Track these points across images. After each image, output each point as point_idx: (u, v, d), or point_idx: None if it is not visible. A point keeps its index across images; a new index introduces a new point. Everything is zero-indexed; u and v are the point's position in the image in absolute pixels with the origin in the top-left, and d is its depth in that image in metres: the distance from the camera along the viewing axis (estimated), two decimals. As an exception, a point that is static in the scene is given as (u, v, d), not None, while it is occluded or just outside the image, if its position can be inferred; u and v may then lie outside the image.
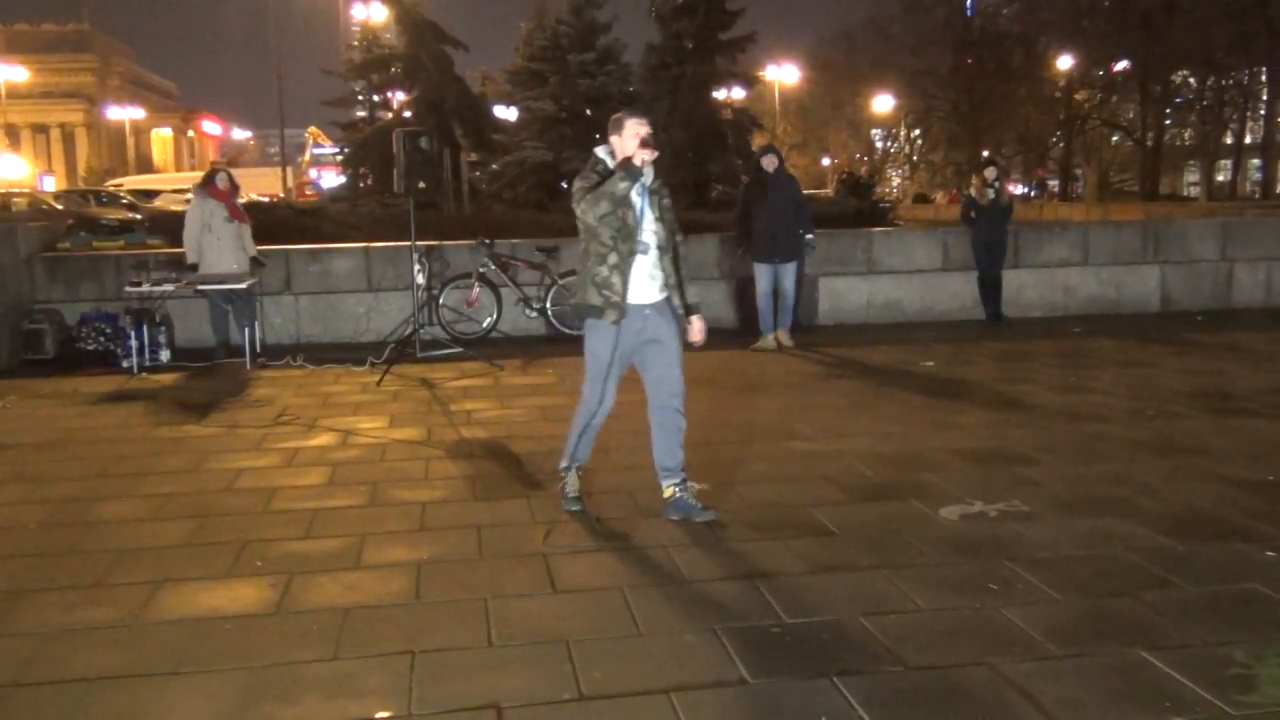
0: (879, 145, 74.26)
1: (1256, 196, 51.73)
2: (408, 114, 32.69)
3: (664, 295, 4.76)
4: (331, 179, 47.47)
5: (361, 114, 36.90)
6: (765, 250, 9.82)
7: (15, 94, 64.70)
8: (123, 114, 76.33)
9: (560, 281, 10.89)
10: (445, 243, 11.38)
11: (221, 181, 9.98)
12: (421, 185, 9.27)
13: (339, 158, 41.15)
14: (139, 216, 26.42)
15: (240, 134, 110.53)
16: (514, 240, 11.73)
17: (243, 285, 9.60)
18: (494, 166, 33.87)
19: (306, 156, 70.22)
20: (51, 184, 52.21)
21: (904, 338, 10.51)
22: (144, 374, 9.11)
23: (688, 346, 4.89)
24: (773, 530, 4.71)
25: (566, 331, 10.86)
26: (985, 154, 39.29)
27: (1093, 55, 52.65)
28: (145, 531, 4.87)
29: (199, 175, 10.68)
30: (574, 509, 4.97)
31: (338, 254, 11.21)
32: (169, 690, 3.32)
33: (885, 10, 59.67)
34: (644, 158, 4.53)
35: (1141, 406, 7.21)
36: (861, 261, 11.86)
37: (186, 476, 5.79)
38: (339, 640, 3.64)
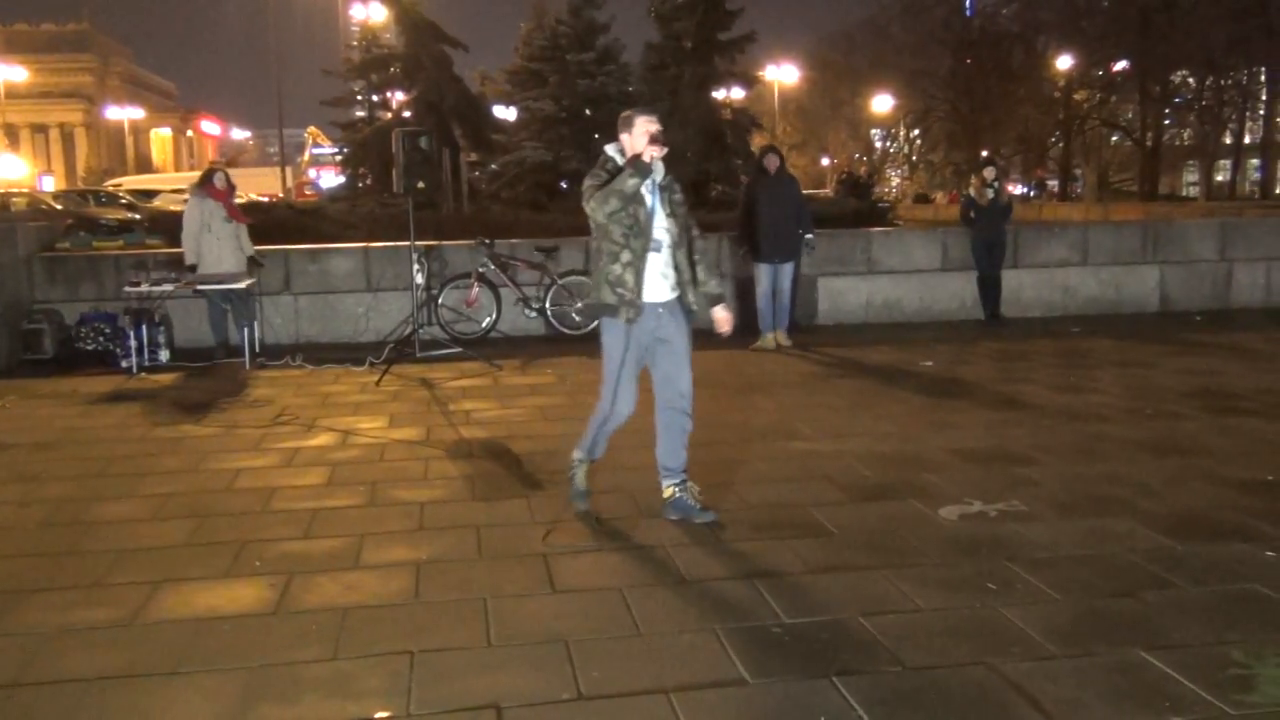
0: (878, 145, 74.26)
1: (1256, 196, 51.74)
2: (407, 114, 32.70)
3: (675, 295, 4.74)
4: (331, 179, 47.48)
5: (361, 114, 36.91)
6: (766, 250, 9.83)
7: (14, 94, 64.70)
8: (122, 114, 76.32)
9: (559, 281, 10.90)
10: (444, 243, 11.38)
11: (219, 181, 9.99)
12: (420, 185, 9.26)
13: (338, 158, 41.15)
14: (138, 216, 26.43)
15: (239, 134, 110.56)
16: (513, 240, 11.73)
17: (242, 285, 9.61)
18: (493, 166, 33.88)
19: (306, 156, 70.19)
20: (50, 184, 52.23)
21: (903, 338, 10.51)
22: (143, 374, 9.11)
23: (704, 340, 4.86)
24: (772, 530, 4.71)
25: (566, 331, 10.88)
26: (984, 154, 39.28)
27: (1092, 55, 52.68)
28: (144, 531, 4.87)
29: (198, 175, 10.67)
30: (580, 505, 4.96)
31: (337, 254, 11.21)
32: (168, 690, 3.32)
33: (884, 10, 59.71)
34: (654, 154, 4.52)
35: (1140, 406, 7.21)
36: (861, 261, 11.86)
37: (185, 476, 5.79)
38: (338, 640, 3.64)
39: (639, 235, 4.58)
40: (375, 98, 36.72)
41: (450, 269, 11.02)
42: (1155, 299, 12.35)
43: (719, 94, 35.77)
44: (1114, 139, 60.37)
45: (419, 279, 9.96)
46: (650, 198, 4.61)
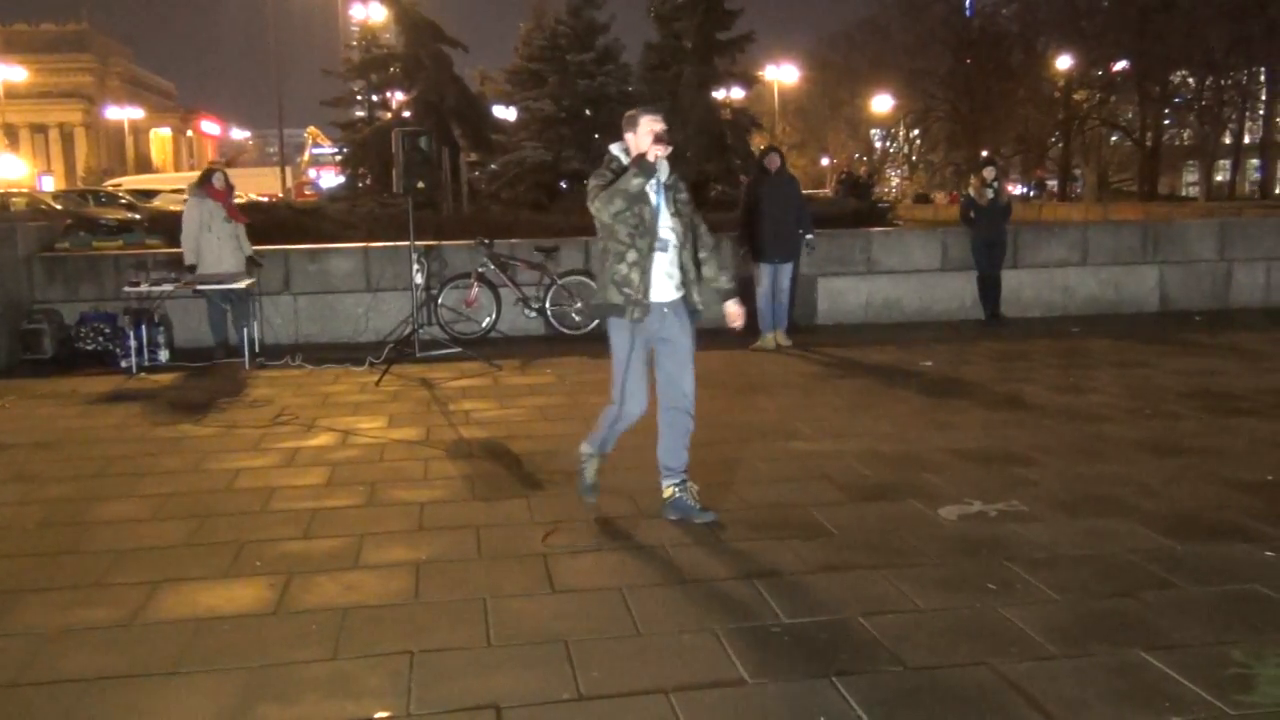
0: (878, 145, 74.29)
1: (1255, 196, 51.76)
2: (407, 114, 32.72)
3: (680, 294, 4.74)
4: (330, 179, 47.50)
5: (360, 114, 36.93)
6: (766, 250, 9.83)
7: (14, 94, 64.66)
8: (121, 114, 76.32)
9: (559, 281, 10.90)
10: (444, 243, 11.38)
11: (218, 181, 10.00)
12: (420, 185, 9.26)
13: (338, 158, 41.18)
14: (137, 216, 26.43)
15: (239, 134, 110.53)
16: (513, 240, 11.74)
17: (241, 285, 9.61)
18: (493, 166, 33.90)
19: (305, 156, 70.22)
20: (50, 184, 52.23)
21: (903, 338, 10.51)
22: (143, 374, 9.11)
23: (704, 340, 4.85)
24: (772, 530, 4.71)
25: (565, 331, 10.88)
26: (984, 154, 39.30)
27: (1091, 55, 52.71)
28: (144, 531, 4.87)
29: (197, 175, 10.67)
30: (590, 499, 4.97)
31: (336, 254, 11.21)
32: (168, 690, 3.32)
33: (884, 10, 59.82)
34: (658, 154, 4.52)
35: (1140, 406, 7.21)
36: (860, 261, 11.86)
37: (185, 476, 5.78)
38: (338, 640, 3.64)
39: (644, 235, 4.57)
40: (375, 98, 36.75)
41: (450, 269, 11.02)
42: (1155, 299, 12.35)
43: (719, 94, 35.81)
44: (1113, 139, 60.42)
45: (419, 279, 9.96)
46: (655, 197, 4.61)
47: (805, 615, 3.78)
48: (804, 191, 11.92)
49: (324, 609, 3.91)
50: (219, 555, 4.50)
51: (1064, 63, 53.30)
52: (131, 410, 7.66)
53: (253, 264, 10.05)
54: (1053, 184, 63.09)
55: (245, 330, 9.60)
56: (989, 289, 11.51)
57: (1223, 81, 51.43)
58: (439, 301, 10.71)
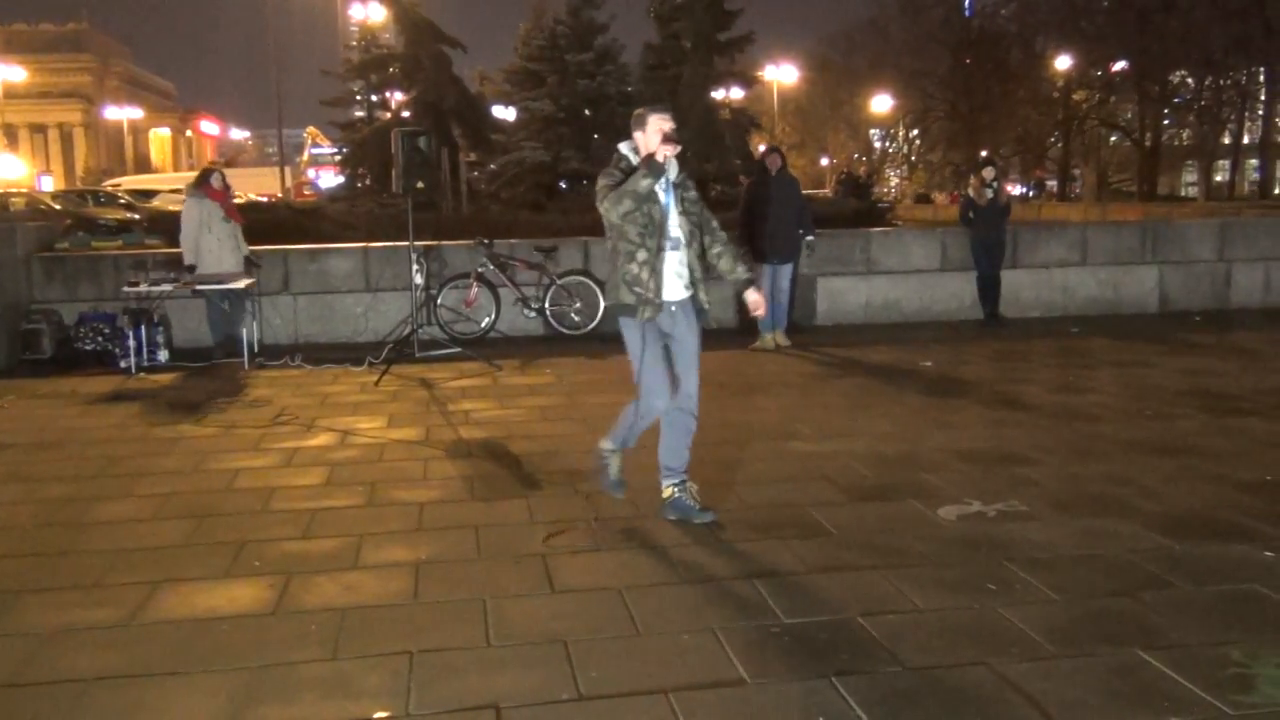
0: (877, 145, 74.32)
1: (1255, 197, 51.76)
2: (406, 114, 32.74)
3: (689, 294, 4.73)
4: (330, 179, 47.53)
5: (360, 114, 36.96)
6: (766, 250, 9.83)
7: (13, 94, 64.61)
8: (121, 114, 76.27)
9: (558, 282, 10.90)
10: (443, 243, 11.38)
11: (216, 181, 10.01)
12: (420, 185, 9.25)
13: (337, 158, 41.20)
14: (137, 216, 26.43)
15: (238, 134, 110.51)
16: (512, 240, 11.73)
17: (241, 285, 9.61)
18: (492, 166, 33.93)
19: (305, 156, 70.24)
20: (49, 184, 52.15)
21: (902, 338, 10.52)
22: (142, 374, 9.11)
23: (704, 341, 4.84)
24: (771, 530, 4.71)
25: (565, 331, 10.89)
26: (983, 154, 39.33)
27: (1091, 55, 52.71)
28: (143, 532, 4.87)
29: (195, 175, 10.67)
30: (618, 494, 4.95)
31: (336, 254, 11.21)
32: (167, 690, 3.32)
33: (884, 10, 59.82)
34: (667, 153, 4.51)
35: (1139, 407, 7.22)
36: (860, 262, 11.87)
37: (184, 477, 5.78)
38: (337, 640, 3.64)
39: (654, 234, 4.56)
40: (374, 98, 36.78)
41: (449, 269, 11.02)
42: (1154, 299, 12.36)
43: (718, 94, 35.82)
44: (1113, 139, 60.42)
45: (418, 279, 9.96)
46: (664, 196, 4.61)
47: (805, 615, 3.78)
48: (804, 192, 11.92)
49: (323, 609, 3.91)
50: (218, 555, 4.50)
51: (1063, 63, 53.30)
52: (131, 410, 7.66)
53: (250, 264, 10.06)
54: (1052, 184, 63.11)
55: (245, 331, 9.59)
56: (988, 289, 11.51)
57: (1222, 81, 51.44)
58: (438, 301, 10.71)
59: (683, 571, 4.25)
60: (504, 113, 36.13)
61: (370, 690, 3.28)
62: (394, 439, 6.60)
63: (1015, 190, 60.52)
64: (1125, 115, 57.19)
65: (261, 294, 10.42)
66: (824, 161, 74.52)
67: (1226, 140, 55.61)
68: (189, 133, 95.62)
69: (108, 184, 42.51)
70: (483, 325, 10.84)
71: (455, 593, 4.05)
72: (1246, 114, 54.30)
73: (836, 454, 6.03)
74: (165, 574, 4.29)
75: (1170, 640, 3.54)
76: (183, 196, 10.97)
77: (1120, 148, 60.24)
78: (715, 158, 33.12)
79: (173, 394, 8.34)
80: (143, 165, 77.66)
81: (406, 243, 9.74)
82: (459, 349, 9.61)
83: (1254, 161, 57.09)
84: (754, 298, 4.87)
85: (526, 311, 10.93)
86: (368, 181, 33.65)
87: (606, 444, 4.95)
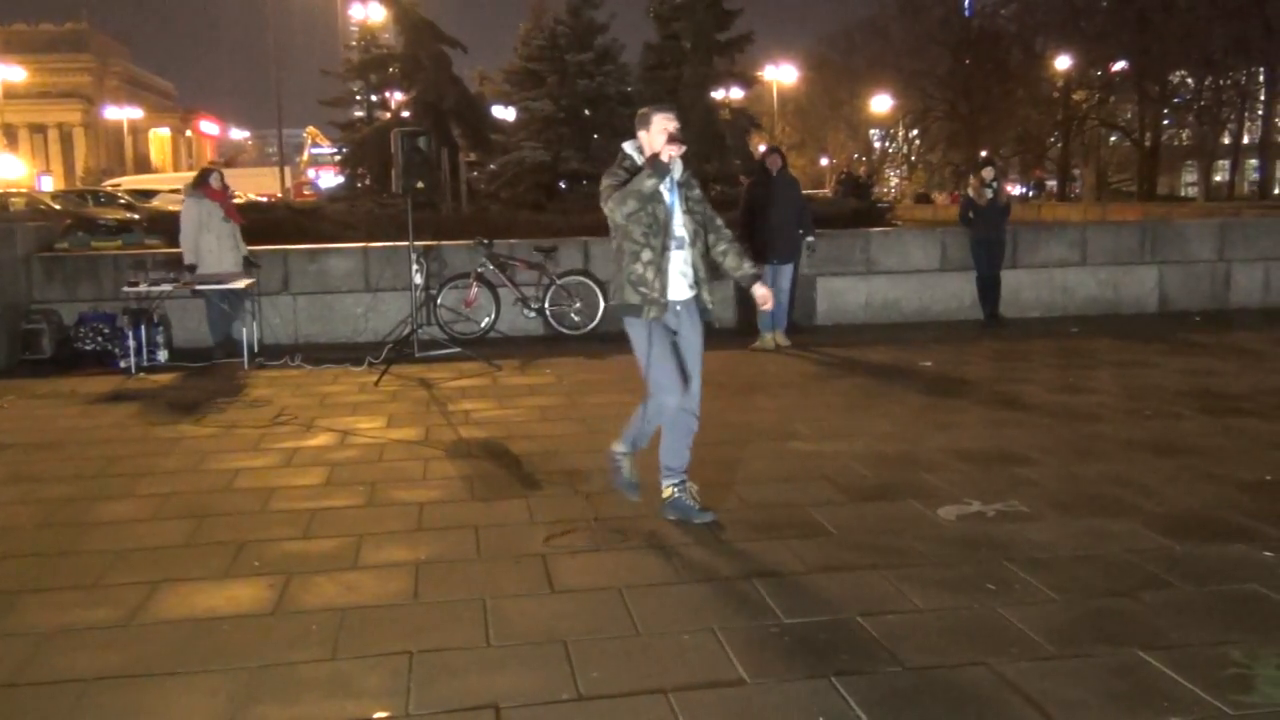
0: (877, 145, 74.33)
1: (1254, 197, 51.77)
2: (406, 114, 32.72)
3: (693, 294, 4.73)
4: (329, 179, 47.50)
5: (359, 114, 36.94)
6: (766, 251, 9.83)
7: (13, 94, 64.58)
8: (120, 114, 76.25)
9: (558, 282, 10.91)
10: (443, 243, 11.38)
11: (215, 181, 10.02)
12: (419, 185, 9.25)
13: (337, 158, 41.17)
14: (136, 216, 26.42)
15: (238, 134, 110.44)
16: (512, 240, 11.73)
17: (241, 285, 9.62)
18: (492, 166, 33.92)
19: (305, 156, 70.19)
20: (49, 184, 52.16)
21: (902, 338, 10.52)
22: (142, 374, 9.11)
23: (705, 341, 4.85)
24: (771, 530, 4.71)
25: (564, 331, 10.89)
26: (983, 154, 39.34)
27: (1090, 55, 52.73)
28: (143, 532, 4.87)
29: (194, 176, 10.68)
30: (633, 496, 4.91)
31: (336, 254, 11.21)
32: (167, 690, 3.32)
33: (883, 10, 59.86)
34: (672, 153, 4.51)
35: (1139, 407, 7.22)
36: (860, 262, 11.87)
37: (184, 476, 5.78)
38: (337, 640, 3.64)
39: (658, 234, 4.56)
40: (374, 98, 36.76)
41: (449, 269, 11.02)
42: (1154, 299, 12.36)
43: (718, 94, 35.81)
44: (1112, 139, 60.45)
45: (418, 279, 9.96)
46: (669, 196, 4.60)
47: (804, 615, 3.78)
48: (804, 192, 11.92)
49: (323, 609, 3.91)
50: (218, 555, 4.50)
51: (1063, 63, 53.32)
52: (130, 410, 7.66)
53: (249, 264, 10.06)
54: (1052, 184, 63.12)
55: (244, 330, 9.59)
56: (988, 289, 11.51)
57: (1221, 81, 51.47)
58: (438, 301, 10.71)
59: (683, 571, 4.25)
60: (504, 113, 36.12)
61: (370, 690, 3.28)
62: (394, 439, 6.60)
63: (1015, 190, 60.54)
64: (1125, 115, 57.22)
65: (261, 294, 10.42)
66: (824, 161, 74.54)
67: (1226, 140, 55.64)
68: (189, 133, 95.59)
69: (107, 184, 42.51)
70: (482, 325, 10.84)
71: (455, 593, 4.05)
72: (1246, 114, 54.33)
73: (836, 454, 6.03)
74: (165, 574, 4.29)
75: (1170, 640, 3.54)
76: (182, 197, 10.97)
77: (1120, 148, 60.27)
78: (715, 158, 33.11)
79: (172, 394, 8.34)
80: (142, 165, 77.63)
81: (406, 243, 9.74)
82: (459, 349, 9.61)
83: (1254, 161, 57.11)
84: (762, 291, 4.85)
85: (526, 311, 10.93)
86: (367, 181, 33.63)
87: (619, 446, 4.91)
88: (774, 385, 8.25)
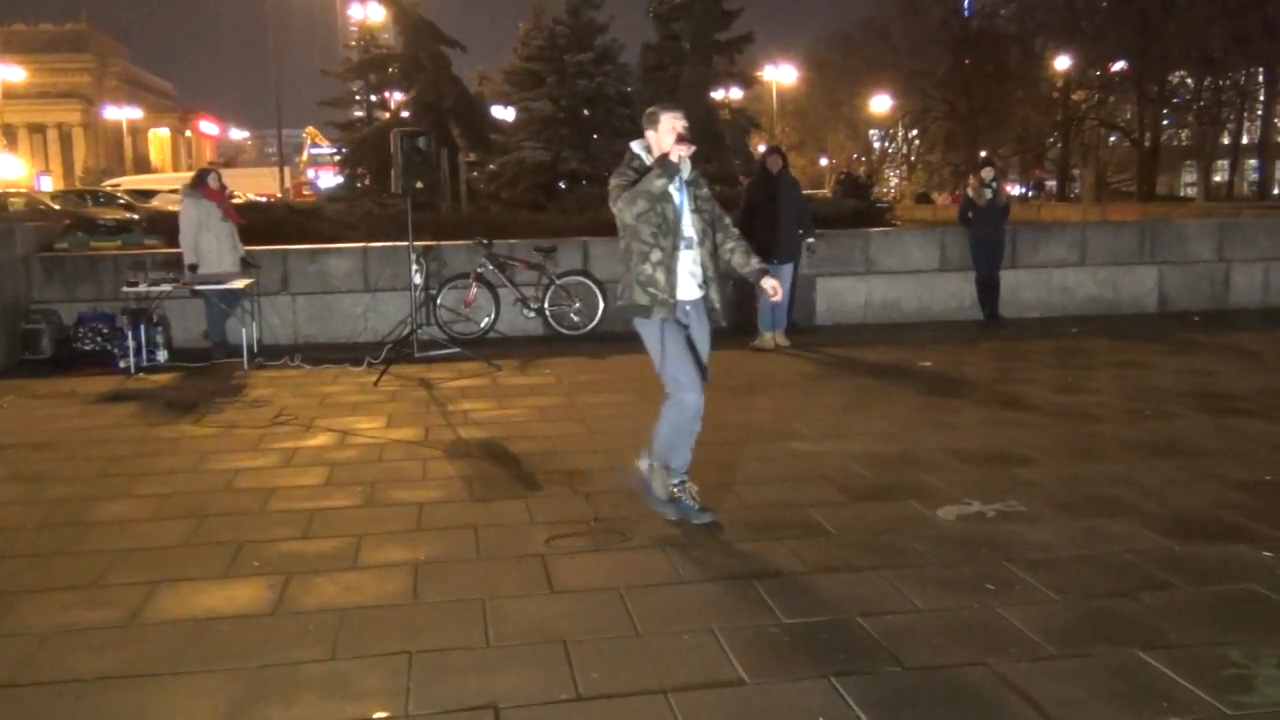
0: (876, 145, 74.33)
1: (1254, 197, 51.79)
2: (405, 114, 32.71)
3: (701, 294, 4.72)
4: (329, 179, 47.46)
5: (359, 114, 36.93)
6: (765, 251, 9.82)
7: (12, 94, 64.56)
8: (120, 114, 76.23)
9: (558, 282, 10.91)
10: (443, 243, 11.38)
11: (213, 181, 10.03)
12: (419, 185, 9.25)
13: (336, 158, 41.15)
14: (136, 217, 26.41)
15: (238, 134, 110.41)
16: (512, 240, 11.73)
17: (241, 285, 9.62)
18: (491, 167, 33.91)
19: (304, 156, 70.12)
20: (48, 184, 52.14)
21: (902, 338, 10.52)
22: (141, 374, 9.11)
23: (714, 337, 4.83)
24: (771, 531, 4.71)
25: (564, 332, 10.89)
26: (983, 154, 39.33)
27: (1090, 55, 52.75)
28: (143, 532, 4.86)
29: (191, 176, 10.68)
30: (670, 515, 4.77)
31: (335, 254, 11.20)
32: (166, 691, 3.32)
33: (883, 11, 59.85)
34: (681, 153, 4.50)
35: (1139, 407, 7.22)
36: (859, 262, 11.87)
37: (184, 477, 5.78)
38: (336, 641, 3.64)
39: (668, 234, 4.55)
40: (373, 98, 36.75)
41: (448, 269, 11.02)
42: (1153, 299, 12.36)
43: (717, 94, 35.82)
44: (1112, 139, 60.47)
45: (417, 279, 9.96)
46: (678, 195, 4.59)
47: (804, 615, 3.78)
48: (803, 192, 11.92)
49: (323, 609, 3.91)
50: (218, 556, 4.50)
51: (1062, 63, 53.34)
52: (130, 410, 7.66)
53: (247, 265, 10.06)
54: (1051, 184, 63.16)
55: (243, 330, 9.59)
56: (987, 289, 11.51)
57: (1221, 82, 51.50)
58: (438, 302, 10.71)
59: (682, 571, 4.25)
60: (503, 113, 36.12)
61: (369, 690, 3.28)
62: (393, 439, 6.60)
63: (1014, 190, 60.55)
64: (1124, 115, 57.25)
65: (261, 294, 10.42)
66: (823, 162, 74.53)
67: (1225, 140, 55.65)
68: (188, 133, 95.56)
69: (107, 184, 42.47)
70: (482, 325, 10.84)
71: (454, 593, 4.05)
72: (1245, 114, 54.36)
73: (836, 454, 6.03)
74: (165, 574, 4.28)
75: (1169, 640, 3.54)
76: (180, 197, 10.95)
77: (1119, 148, 60.29)
78: (715, 158, 33.12)
79: (172, 394, 8.34)
80: (142, 165, 77.56)
81: (406, 243, 9.74)
82: (458, 349, 9.61)
83: (1253, 162, 57.16)
84: (769, 283, 4.84)
85: (526, 312, 10.93)
86: (367, 182, 33.60)
87: (643, 462, 4.80)
88: (773, 385, 8.24)
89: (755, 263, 4.86)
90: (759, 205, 9.88)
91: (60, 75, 79.43)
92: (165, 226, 18.47)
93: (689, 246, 4.63)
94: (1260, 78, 51.11)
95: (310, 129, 70.40)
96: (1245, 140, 55.33)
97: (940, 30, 57.72)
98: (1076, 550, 4.42)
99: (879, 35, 61.37)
